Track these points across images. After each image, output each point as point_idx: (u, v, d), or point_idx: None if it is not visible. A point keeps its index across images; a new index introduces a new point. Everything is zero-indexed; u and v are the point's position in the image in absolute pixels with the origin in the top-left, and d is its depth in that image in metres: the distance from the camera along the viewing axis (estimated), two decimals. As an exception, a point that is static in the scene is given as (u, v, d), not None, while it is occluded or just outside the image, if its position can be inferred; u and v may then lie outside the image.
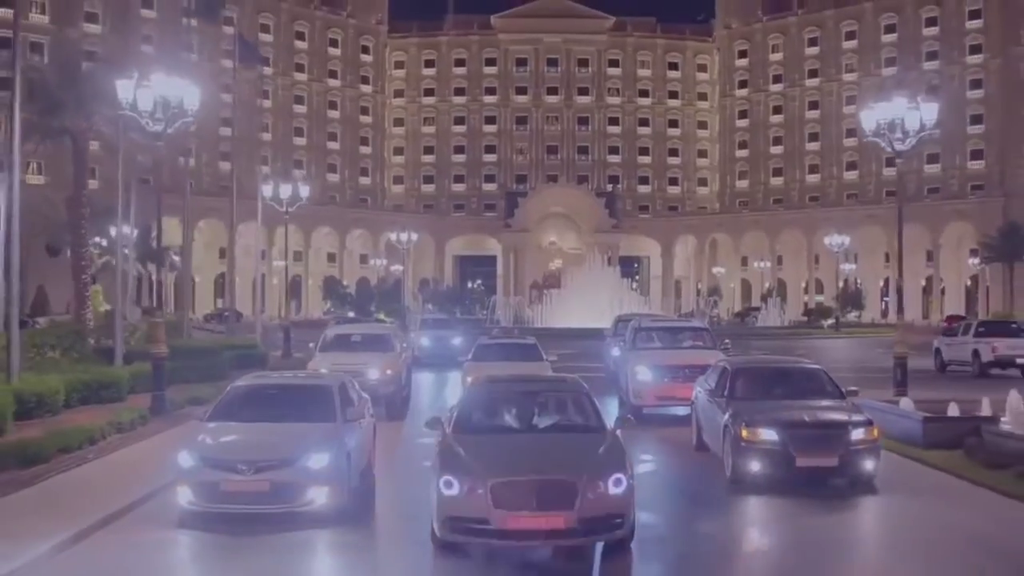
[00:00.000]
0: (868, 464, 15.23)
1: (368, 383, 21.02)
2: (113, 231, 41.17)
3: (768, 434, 15.20)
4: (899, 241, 30.84)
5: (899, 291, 33.71)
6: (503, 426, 13.05)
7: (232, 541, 12.45)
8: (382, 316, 73.73)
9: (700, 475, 17.00)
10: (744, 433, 15.31)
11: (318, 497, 13.02)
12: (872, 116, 26.56)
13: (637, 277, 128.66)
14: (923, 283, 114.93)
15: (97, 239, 45.42)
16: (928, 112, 26.23)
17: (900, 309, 31.02)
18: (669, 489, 16.21)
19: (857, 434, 15.25)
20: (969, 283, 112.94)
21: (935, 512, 14.24)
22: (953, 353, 39.49)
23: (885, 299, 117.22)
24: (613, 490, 11.20)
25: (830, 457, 15.08)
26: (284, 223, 49.01)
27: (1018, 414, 18.03)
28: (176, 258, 62.16)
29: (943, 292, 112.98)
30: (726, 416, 16.04)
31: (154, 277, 68.76)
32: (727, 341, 28.95)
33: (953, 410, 19.76)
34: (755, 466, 15.23)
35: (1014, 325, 41.01)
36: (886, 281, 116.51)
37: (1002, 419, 18.35)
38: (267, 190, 48.93)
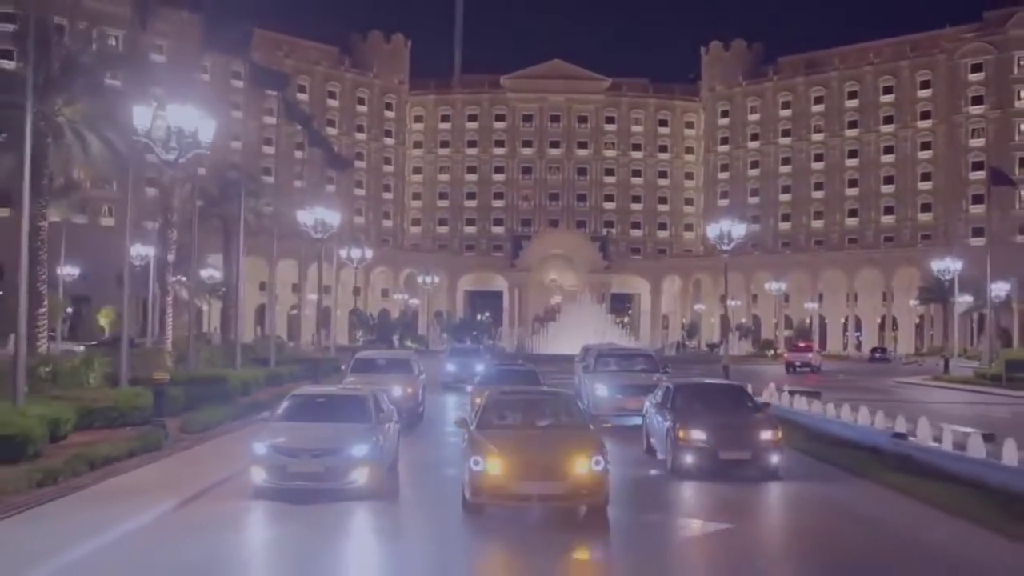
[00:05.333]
0: (773, 458, 18.06)
1: (391, 400, 22.61)
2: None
3: (698, 435, 18.06)
4: (725, 289, 44.26)
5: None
6: (514, 424, 16.10)
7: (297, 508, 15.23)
8: (410, 343, 77.30)
9: (648, 469, 19.72)
10: (681, 434, 18.15)
11: (360, 477, 15.69)
12: (713, 229, 41.52)
13: (630, 312, 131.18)
14: (879, 320, 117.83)
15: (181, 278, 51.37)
16: (740, 229, 41.41)
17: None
18: (626, 479, 18.55)
19: (765, 435, 18.13)
20: (918, 321, 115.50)
21: None
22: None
23: (846, 333, 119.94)
24: (594, 468, 14.16)
25: (745, 451, 17.98)
26: (354, 273, 59.76)
27: (772, 394, 29.50)
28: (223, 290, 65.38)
29: (896, 328, 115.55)
30: (668, 423, 18.84)
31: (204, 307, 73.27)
32: (668, 366, 32.11)
33: None
34: (689, 459, 18.07)
35: (807, 346, 75.61)
36: (847, 318, 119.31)
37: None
38: (343, 252, 66.91)
